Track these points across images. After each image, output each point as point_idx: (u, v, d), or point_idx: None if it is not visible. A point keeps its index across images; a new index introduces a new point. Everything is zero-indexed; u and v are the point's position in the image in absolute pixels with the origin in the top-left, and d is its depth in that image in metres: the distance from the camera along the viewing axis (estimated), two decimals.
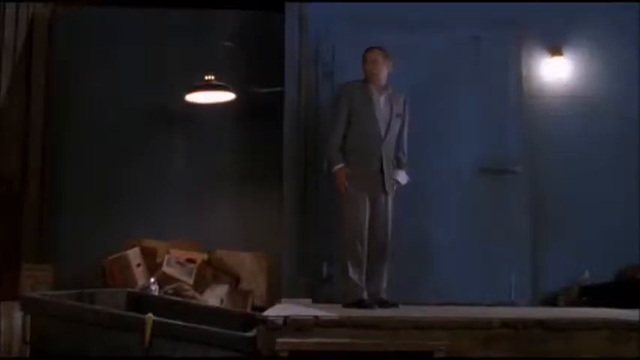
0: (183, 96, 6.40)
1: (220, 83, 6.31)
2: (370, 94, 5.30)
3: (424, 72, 6.03)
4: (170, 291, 5.49)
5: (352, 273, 5.06)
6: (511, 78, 6.11)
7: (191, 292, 5.57)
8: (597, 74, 6.27)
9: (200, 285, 5.90)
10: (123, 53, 6.72)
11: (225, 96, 6.41)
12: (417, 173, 5.84)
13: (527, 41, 6.23)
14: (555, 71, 6.27)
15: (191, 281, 5.86)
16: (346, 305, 4.94)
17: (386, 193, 5.26)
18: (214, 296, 5.81)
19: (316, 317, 3.94)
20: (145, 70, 6.72)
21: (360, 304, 4.92)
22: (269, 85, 6.37)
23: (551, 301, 5.92)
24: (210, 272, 6.07)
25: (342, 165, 5.15)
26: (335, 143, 5.21)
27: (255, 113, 6.57)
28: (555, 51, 6.26)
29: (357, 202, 5.14)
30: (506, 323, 3.95)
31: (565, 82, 6.27)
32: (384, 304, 5.02)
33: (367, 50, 5.42)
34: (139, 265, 5.88)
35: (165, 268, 5.82)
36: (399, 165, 5.36)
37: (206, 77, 6.28)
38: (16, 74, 6.43)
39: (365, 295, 5.03)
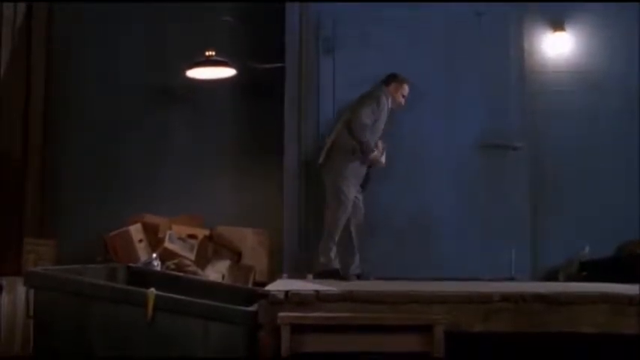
0: (184, 72, 6.38)
1: (221, 59, 6.29)
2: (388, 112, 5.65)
3: (425, 47, 6.02)
4: (172, 266, 5.52)
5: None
6: (513, 53, 6.09)
7: (193, 268, 5.61)
8: (599, 49, 6.25)
9: (201, 260, 5.93)
10: (123, 29, 6.69)
11: (226, 72, 6.39)
12: (418, 149, 5.86)
13: (530, 16, 6.20)
14: (557, 46, 6.25)
15: (193, 257, 5.90)
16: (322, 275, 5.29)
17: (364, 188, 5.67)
18: (216, 271, 5.84)
19: (317, 292, 3.97)
20: (145, 45, 6.70)
21: (336, 274, 5.33)
22: (270, 61, 6.35)
23: (552, 277, 5.95)
24: (212, 248, 6.10)
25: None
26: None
27: (256, 89, 6.55)
28: (557, 26, 6.23)
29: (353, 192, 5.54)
30: (506, 297, 3.97)
31: (567, 57, 6.25)
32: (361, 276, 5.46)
33: (407, 83, 5.69)
34: (140, 240, 5.91)
35: (167, 244, 5.85)
36: None
37: (207, 53, 6.26)
38: (15, 51, 6.41)
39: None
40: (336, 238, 5.43)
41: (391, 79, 5.68)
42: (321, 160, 5.59)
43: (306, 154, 5.96)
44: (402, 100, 5.71)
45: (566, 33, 6.24)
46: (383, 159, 5.56)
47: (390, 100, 5.63)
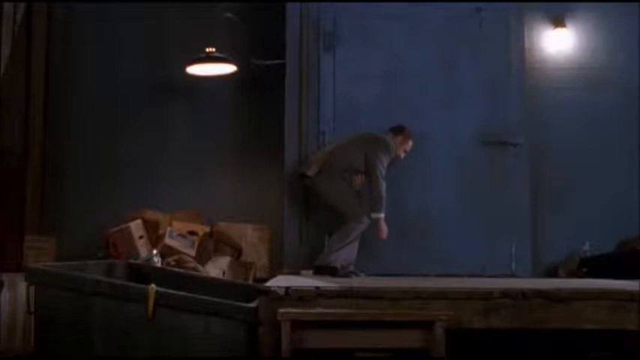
0: (184, 68, 6.39)
1: (221, 55, 6.28)
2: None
3: (426, 44, 6.01)
4: (172, 263, 5.52)
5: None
6: (513, 50, 6.09)
7: (193, 264, 5.61)
8: (600, 46, 6.26)
9: (202, 257, 5.93)
10: (123, 25, 6.69)
11: (226, 68, 6.39)
12: (418, 145, 5.86)
13: (530, 13, 6.20)
14: (558, 43, 6.25)
15: (193, 253, 5.90)
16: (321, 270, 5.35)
17: None
18: (216, 268, 5.84)
19: (318, 288, 3.97)
20: (146, 41, 6.70)
21: (335, 272, 5.38)
22: (270, 58, 6.34)
23: (552, 273, 5.97)
24: (212, 244, 6.10)
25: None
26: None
27: (256, 85, 6.55)
28: (558, 23, 6.24)
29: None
30: (506, 293, 3.96)
31: (567, 53, 6.26)
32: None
33: (412, 139, 5.72)
34: (141, 237, 5.92)
35: (167, 240, 5.85)
36: None
37: (207, 49, 6.26)
38: (16, 47, 6.40)
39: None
40: (347, 245, 5.48)
41: (400, 131, 5.69)
42: (310, 172, 5.60)
43: (306, 151, 5.96)
44: (403, 155, 5.72)
45: (566, 30, 6.24)
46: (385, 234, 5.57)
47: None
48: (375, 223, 5.54)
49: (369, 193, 5.56)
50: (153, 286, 4.01)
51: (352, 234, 5.50)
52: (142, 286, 4.07)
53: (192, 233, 6.06)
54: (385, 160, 5.56)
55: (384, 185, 5.51)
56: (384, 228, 5.52)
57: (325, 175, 5.59)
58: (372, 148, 5.57)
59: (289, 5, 6.10)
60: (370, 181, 5.54)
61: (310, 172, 5.63)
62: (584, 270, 5.73)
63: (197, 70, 6.39)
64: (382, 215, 5.51)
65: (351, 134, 5.72)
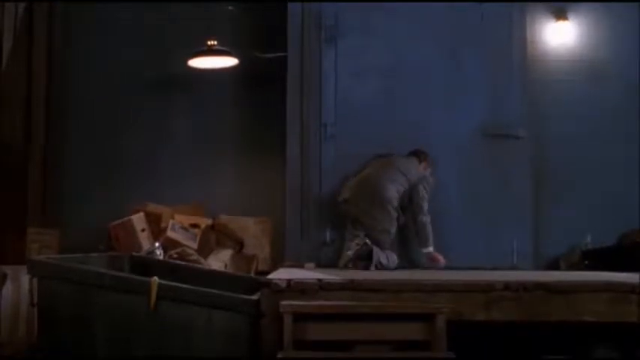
0: (185, 61, 6.39)
1: (223, 48, 6.28)
2: None
3: (427, 36, 6.01)
4: (174, 255, 5.54)
5: None
6: (515, 42, 6.08)
7: (195, 257, 5.63)
8: (601, 39, 6.25)
9: (204, 250, 5.95)
10: (124, 18, 6.69)
11: (228, 61, 6.39)
12: (420, 138, 5.86)
13: (532, 5, 6.19)
14: (560, 35, 6.25)
15: (195, 246, 5.91)
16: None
17: None
18: (218, 261, 5.86)
19: (320, 280, 3.98)
20: (147, 34, 6.70)
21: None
22: (272, 50, 6.34)
23: (553, 265, 5.98)
24: (214, 237, 6.12)
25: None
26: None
27: (258, 78, 6.55)
28: (560, 15, 6.23)
29: None
30: (508, 286, 3.97)
31: (569, 46, 6.25)
32: None
33: (432, 164, 5.82)
34: (143, 229, 5.93)
35: (169, 233, 5.86)
36: None
37: (208, 42, 6.25)
38: (17, 40, 6.42)
39: None
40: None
41: (424, 157, 5.76)
42: (362, 202, 5.57)
43: (307, 143, 5.96)
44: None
45: (568, 22, 6.24)
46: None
47: None
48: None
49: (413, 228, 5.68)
50: (155, 278, 4.03)
51: (387, 265, 5.47)
52: (145, 278, 4.08)
53: (194, 226, 6.08)
54: (427, 196, 5.64)
55: (429, 221, 5.60)
56: (438, 257, 5.56)
57: (371, 206, 5.56)
58: (416, 186, 5.63)
59: None
60: (417, 219, 5.62)
61: (360, 205, 5.58)
62: (586, 262, 5.74)
63: (199, 63, 6.39)
64: (432, 248, 5.60)
65: (385, 160, 5.73)
